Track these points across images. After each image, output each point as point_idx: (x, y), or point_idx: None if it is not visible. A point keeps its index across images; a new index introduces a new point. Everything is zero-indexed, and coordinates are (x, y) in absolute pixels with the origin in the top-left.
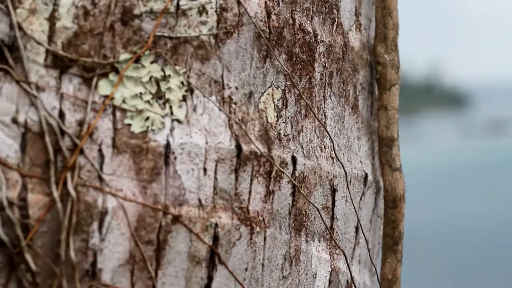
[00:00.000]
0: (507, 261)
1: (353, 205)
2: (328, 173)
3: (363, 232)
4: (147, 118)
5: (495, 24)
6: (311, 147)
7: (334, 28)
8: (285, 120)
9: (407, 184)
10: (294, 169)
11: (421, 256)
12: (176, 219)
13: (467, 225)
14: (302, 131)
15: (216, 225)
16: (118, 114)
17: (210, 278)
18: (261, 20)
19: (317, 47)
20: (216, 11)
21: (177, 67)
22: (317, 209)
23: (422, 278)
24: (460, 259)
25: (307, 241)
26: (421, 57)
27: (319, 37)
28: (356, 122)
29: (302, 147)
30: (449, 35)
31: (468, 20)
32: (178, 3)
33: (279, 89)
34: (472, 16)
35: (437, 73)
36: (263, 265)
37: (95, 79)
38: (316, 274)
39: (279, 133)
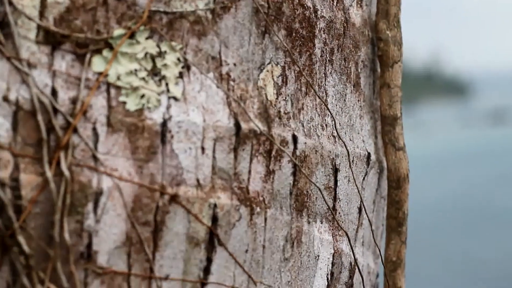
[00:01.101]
0: (506, 245)
1: (356, 185)
2: (330, 152)
3: (366, 213)
4: (143, 96)
5: (497, 12)
6: (312, 126)
7: (335, 4)
8: (285, 98)
9: (412, 171)
10: (295, 148)
11: (423, 240)
12: (174, 199)
13: (466, 211)
14: (303, 109)
15: (215, 205)
16: (112, 91)
17: (209, 260)
18: None
19: (317, 23)
20: None
21: (173, 43)
22: (319, 189)
23: (425, 261)
24: (461, 244)
25: (309, 222)
26: (422, 45)
27: (319, 12)
28: (358, 100)
29: (303, 126)
30: (450, 23)
31: (469, 8)
32: None
33: (278, 65)
34: (473, 4)
35: (437, 62)
36: (263, 246)
37: (88, 56)
38: (318, 256)
39: (279, 111)
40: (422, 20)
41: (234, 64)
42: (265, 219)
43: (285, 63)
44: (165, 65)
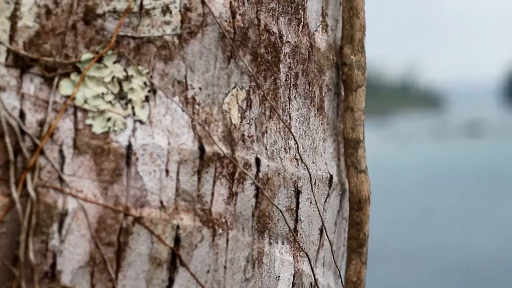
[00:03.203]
0: (484, 258)
1: (317, 207)
2: (293, 174)
3: (327, 234)
4: (109, 119)
5: (471, 26)
6: (276, 149)
7: (300, 29)
8: (249, 121)
9: (384, 181)
10: (258, 170)
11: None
12: (137, 220)
13: (441, 222)
14: (267, 132)
15: (178, 227)
16: (79, 114)
17: (171, 281)
18: (226, 20)
19: (283, 48)
20: (180, 10)
21: (140, 67)
22: (281, 211)
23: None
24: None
25: (270, 243)
26: (398, 58)
27: (284, 37)
28: (322, 124)
29: (266, 149)
30: (426, 37)
31: (444, 22)
32: (141, 3)
33: (243, 90)
34: (448, 18)
35: (413, 74)
36: (225, 267)
37: (56, 79)
38: (279, 276)
39: (243, 134)
40: (399, 33)
41: (200, 88)
42: (227, 240)
43: (250, 87)
44: (131, 89)
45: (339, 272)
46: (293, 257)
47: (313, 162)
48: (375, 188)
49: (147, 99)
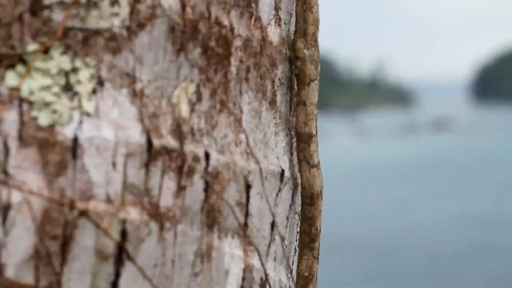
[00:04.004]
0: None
1: (268, 202)
2: (243, 169)
3: (279, 229)
4: (55, 111)
5: (439, 23)
6: (226, 142)
7: (252, 22)
8: (199, 115)
9: (353, 175)
10: (207, 164)
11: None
12: (83, 213)
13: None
14: (217, 126)
15: (125, 220)
16: (25, 106)
17: (117, 274)
18: (176, 13)
19: (234, 41)
20: (128, 2)
21: (87, 59)
22: (230, 206)
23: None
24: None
25: (219, 238)
26: (367, 54)
27: (236, 31)
28: (274, 118)
29: (216, 142)
30: (395, 33)
31: (414, 20)
32: None
33: (193, 83)
34: (418, 15)
35: (383, 71)
36: (173, 261)
37: (2, 70)
38: (228, 271)
39: (192, 128)
40: (368, 29)
41: (148, 81)
42: (175, 234)
43: (200, 80)
44: (78, 81)
45: (291, 266)
46: (243, 252)
47: (264, 156)
48: (343, 181)
49: (94, 91)
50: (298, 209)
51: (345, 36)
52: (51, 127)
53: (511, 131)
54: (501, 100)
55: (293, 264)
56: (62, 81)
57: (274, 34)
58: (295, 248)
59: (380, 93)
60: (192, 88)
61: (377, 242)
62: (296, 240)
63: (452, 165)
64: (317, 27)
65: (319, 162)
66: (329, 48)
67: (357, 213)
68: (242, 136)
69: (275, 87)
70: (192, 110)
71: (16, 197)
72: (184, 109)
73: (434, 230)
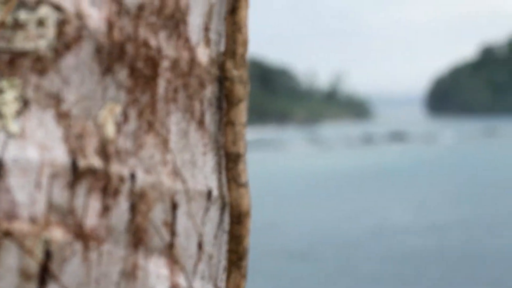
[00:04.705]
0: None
1: (196, 221)
2: (170, 188)
3: (206, 248)
4: None
5: (397, 38)
6: (152, 163)
7: (181, 43)
8: (126, 135)
9: (310, 184)
10: (133, 184)
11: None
12: (7, 234)
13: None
14: (143, 146)
15: (49, 240)
16: None
17: None
18: (102, 34)
19: (162, 62)
20: (55, 24)
21: (13, 80)
22: (156, 225)
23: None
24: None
25: (145, 257)
26: (325, 68)
27: (164, 52)
28: (202, 138)
29: (143, 163)
30: (351, 47)
31: (372, 33)
32: (15, 15)
33: (119, 104)
34: (376, 30)
35: (340, 84)
36: (97, 281)
37: None
38: None
39: (118, 148)
40: (325, 43)
41: (74, 102)
42: (100, 254)
43: (126, 101)
44: (3, 102)
45: (219, 285)
46: (170, 271)
47: (191, 176)
48: (301, 189)
49: (19, 112)
50: (227, 227)
51: (303, 49)
52: None
53: (463, 142)
54: (454, 112)
55: (221, 282)
56: None
57: (203, 54)
58: (224, 267)
59: (338, 105)
60: (118, 108)
61: (326, 248)
62: (225, 258)
63: (406, 173)
64: (246, 48)
65: (247, 181)
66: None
67: (305, 220)
68: (169, 156)
69: (204, 107)
70: (118, 130)
71: None
72: (110, 130)
73: (384, 235)
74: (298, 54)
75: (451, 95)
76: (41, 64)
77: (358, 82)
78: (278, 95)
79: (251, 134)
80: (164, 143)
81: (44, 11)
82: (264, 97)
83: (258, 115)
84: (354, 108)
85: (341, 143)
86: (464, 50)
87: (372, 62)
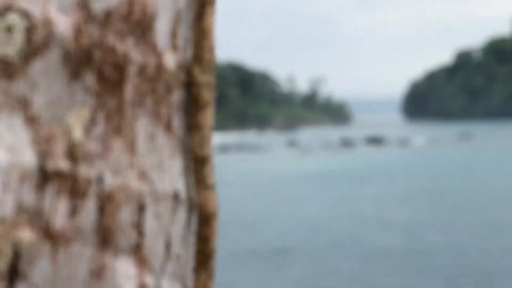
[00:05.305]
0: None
1: (163, 222)
2: (137, 190)
3: (173, 249)
4: None
5: (373, 41)
6: (120, 165)
7: (148, 49)
8: (93, 139)
9: (290, 185)
10: (101, 186)
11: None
12: None
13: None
14: (111, 149)
15: (18, 241)
16: None
17: None
18: (70, 40)
19: (129, 67)
20: (23, 29)
21: None
22: (123, 226)
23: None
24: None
25: (113, 257)
26: (304, 73)
27: (131, 57)
28: (170, 141)
29: (110, 165)
30: (330, 52)
31: (350, 40)
32: None
33: (87, 108)
34: (354, 36)
35: (319, 89)
36: (66, 281)
37: None
38: None
39: (86, 151)
40: (305, 48)
41: (43, 106)
42: (68, 254)
43: (94, 105)
44: None
45: (187, 285)
46: (137, 271)
47: (159, 179)
48: (279, 189)
49: None
50: (195, 229)
51: (282, 55)
52: None
53: (434, 146)
54: (430, 117)
55: (189, 282)
56: None
57: (170, 60)
58: (192, 267)
59: (317, 110)
60: (86, 113)
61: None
62: (192, 259)
63: (376, 174)
64: (213, 54)
65: (214, 183)
66: (267, 68)
67: (281, 218)
68: (137, 159)
69: (171, 112)
70: (86, 134)
71: None
72: (78, 133)
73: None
74: (278, 60)
75: (427, 100)
76: (9, 69)
77: (337, 87)
78: (259, 100)
79: (232, 138)
80: (132, 146)
81: (12, 18)
82: (245, 102)
83: (239, 120)
84: (333, 113)
85: (319, 147)
86: (442, 56)
87: (351, 67)
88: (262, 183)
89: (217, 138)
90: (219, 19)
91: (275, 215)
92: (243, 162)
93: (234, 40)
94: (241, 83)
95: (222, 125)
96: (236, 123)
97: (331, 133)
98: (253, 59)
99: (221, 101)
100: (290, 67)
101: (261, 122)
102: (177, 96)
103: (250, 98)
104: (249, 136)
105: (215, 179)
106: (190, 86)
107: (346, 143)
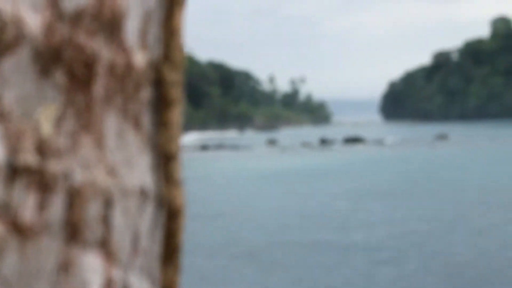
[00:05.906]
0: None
1: (131, 217)
2: (105, 186)
3: (141, 243)
4: None
5: (353, 42)
6: (88, 161)
7: (118, 47)
8: (63, 135)
9: (270, 183)
10: (70, 182)
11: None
12: None
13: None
14: (80, 145)
15: None
16: None
17: None
18: (40, 38)
19: (99, 65)
20: None
21: None
22: (91, 221)
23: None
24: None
25: (80, 252)
26: (285, 73)
27: (101, 55)
28: (138, 138)
29: (79, 161)
30: (311, 54)
31: (330, 41)
32: None
33: (57, 104)
34: (334, 37)
35: (299, 89)
36: (34, 274)
37: None
38: (89, 283)
39: (55, 147)
40: (286, 49)
41: (13, 102)
42: (36, 248)
43: (64, 102)
44: None
45: (155, 279)
46: (105, 265)
47: (127, 174)
48: (256, 185)
49: None
50: (162, 224)
51: (263, 56)
52: None
53: (413, 145)
54: (408, 117)
55: (156, 276)
56: None
57: (139, 58)
58: (159, 262)
59: (297, 110)
60: (56, 109)
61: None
62: (160, 254)
63: (350, 171)
64: (182, 53)
65: (181, 179)
66: (248, 68)
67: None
68: (106, 155)
69: (141, 109)
70: (55, 130)
71: None
72: (47, 129)
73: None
74: (259, 61)
75: (405, 100)
76: None
77: (317, 88)
78: (240, 99)
79: (213, 136)
80: (101, 143)
81: None
82: (226, 101)
83: (220, 119)
84: (313, 113)
85: (298, 146)
86: (421, 58)
87: (331, 68)
88: (238, 180)
89: (198, 137)
90: (200, 18)
91: (249, 209)
92: (223, 159)
93: (216, 39)
94: (222, 82)
95: (203, 124)
96: (217, 122)
97: (311, 132)
98: (235, 59)
99: (202, 100)
100: (271, 67)
101: (242, 121)
102: (146, 93)
103: (231, 97)
104: (230, 134)
105: (182, 176)
106: (159, 84)
107: (325, 142)
